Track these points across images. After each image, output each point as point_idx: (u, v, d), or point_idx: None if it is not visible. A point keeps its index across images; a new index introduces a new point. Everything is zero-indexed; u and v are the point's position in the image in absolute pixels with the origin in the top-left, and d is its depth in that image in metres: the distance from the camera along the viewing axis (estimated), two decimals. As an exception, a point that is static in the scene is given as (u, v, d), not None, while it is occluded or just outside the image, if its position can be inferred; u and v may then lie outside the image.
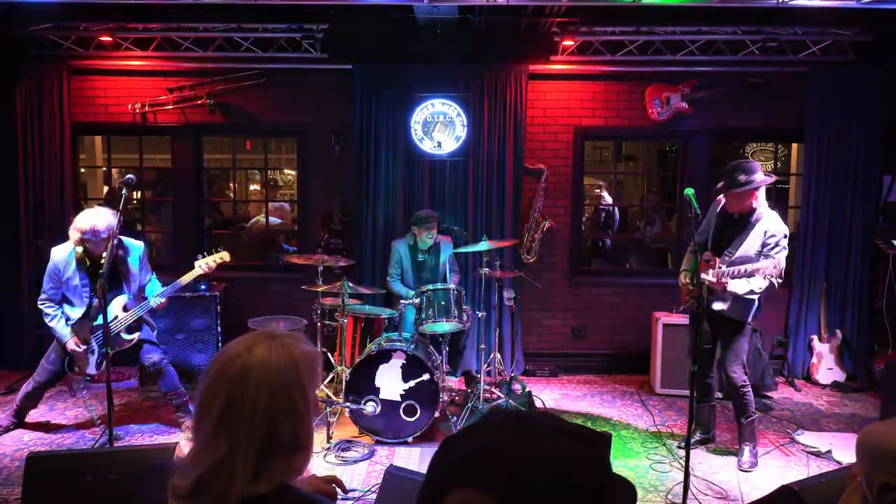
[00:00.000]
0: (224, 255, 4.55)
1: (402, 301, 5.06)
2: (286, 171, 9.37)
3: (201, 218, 6.45)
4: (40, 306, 4.43)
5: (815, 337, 6.05)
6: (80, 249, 4.35)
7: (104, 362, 4.21)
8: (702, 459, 4.35)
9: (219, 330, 5.63)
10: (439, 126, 5.99)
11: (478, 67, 5.95)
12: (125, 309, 4.42)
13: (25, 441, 4.52)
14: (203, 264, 4.43)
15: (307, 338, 1.42)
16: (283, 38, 5.89)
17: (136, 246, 4.55)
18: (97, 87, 6.19)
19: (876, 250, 6.01)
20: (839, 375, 5.94)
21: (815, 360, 6.03)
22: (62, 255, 4.39)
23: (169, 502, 1.20)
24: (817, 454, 4.44)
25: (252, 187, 9.76)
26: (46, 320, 4.42)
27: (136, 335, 4.48)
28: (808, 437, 4.69)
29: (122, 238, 4.44)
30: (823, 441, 4.61)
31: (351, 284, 4.80)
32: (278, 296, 6.17)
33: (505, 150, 5.97)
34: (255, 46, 5.94)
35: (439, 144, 5.99)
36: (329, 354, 5.55)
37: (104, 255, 4.18)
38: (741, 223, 4.10)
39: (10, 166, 5.98)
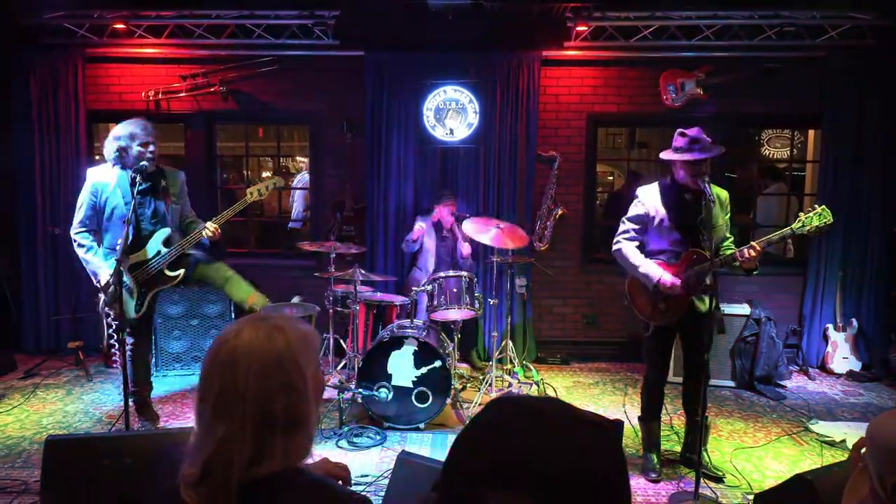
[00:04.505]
0: (277, 181, 4.33)
1: (414, 288, 5.07)
2: (298, 158, 9.39)
3: (214, 205, 6.48)
4: (73, 236, 4.03)
5: (830, 325, 6.00)
6: (118, 168, 3.98)
7: (144, 304, 4.03)
8: (714, 448, 4.34)
9: (232, 316, 5.67)
10: (451, 113, 5.97)
11: (490, 54, 5.91)
12: (167, 243, 4.04)
13: (44, 425, 4.59)
14: (255, 191, 4.15)
15: (310, 322, 1.42)
16: (295, 25, 5.88)
17: (175, 173, 4.24)
18: (111, 74, 6.23)
19: (893, 238, 5.94)
20: (854, 364, 5.89)
21: (830, 348, 5.98)
22: (101, 173, 3.99)
23: (181, 490, 1.22)
24: (831, 444, 4.42)
25: (264, 174, 9.80)
26: (80, 252, 4.01)
27: (180, 272, 4.06)
28: (822, 427, 4.67)
29: (162, 167, 4.16)
30: (838, 430, 4.57)
31: (363, 271, 4.81)
32: (291, 282, 6.20)
33: (517, 137, 5.94)
34: (268, 33, 5.93)
35: (451, 131, 5.97)
36: (341, 341, 5.58)
37: (146, 169, 3.85)
38: (696, 201, 3.69)
39: (26, 154, 6.04)
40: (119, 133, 3.94)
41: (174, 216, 4.16)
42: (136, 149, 3.90)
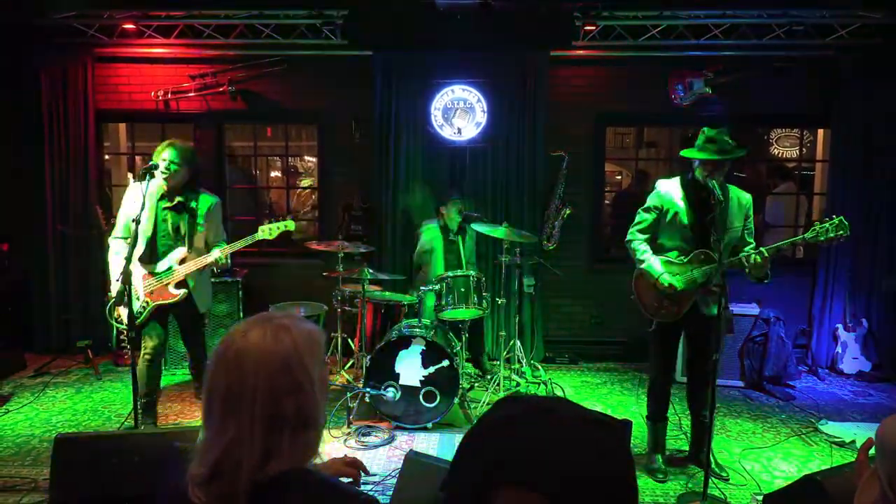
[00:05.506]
0: (289, 224, 4.33)
1: (421, 287, 5.07)
2: (307, 157, 9.42)
3: (223, 205, 6.49)
4: (109, 241, 4.15)
5: (839, 325, 5.96)
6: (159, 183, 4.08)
7: (144, 312, 4.06)
8: (722, 448, 4.32)
9: (241, 315, 5.69)
10: (459, 112, 5.96)
11: (498, 53, 5.90)
12: (181, 262, 4.10)
13: (53, 423, 4.62)
14: (266, 230, 4.20)
15: (318, 321, 1.42)
16: (303, 25, 5.89)
17: (209, 197, 4.25)
18: (121, 74, 6.26)
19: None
20: (864, 365, 5.85)
21: (839, 349, 5.94)
22: (140, 185, 3.96)
23: (189, 489, 1.22)
24: (841, 444, 4.39)
25: (273, 174, 9.83)
26: (108, 255, 4.12)
27: (182, 291, 4.10)
28: (831, 427, 4.64)
29: (201, 189, 4.24)
30: (847, 431, 4.55)
31: (371, 271, 4.81)
32: (300, 281, 6.21)
33: (525, 137, 5.93)
34: (276, 33, 5.94)
35: (459, 131, 5.97)
36: (349, 340, 5.59)
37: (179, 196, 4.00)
38: (707, 201, 3.65)
39: (36, 154, 6.07)
40: (159, 151, 4.06)
41: (196, 238, 4.18)
42: (165, 171, 4.03)
